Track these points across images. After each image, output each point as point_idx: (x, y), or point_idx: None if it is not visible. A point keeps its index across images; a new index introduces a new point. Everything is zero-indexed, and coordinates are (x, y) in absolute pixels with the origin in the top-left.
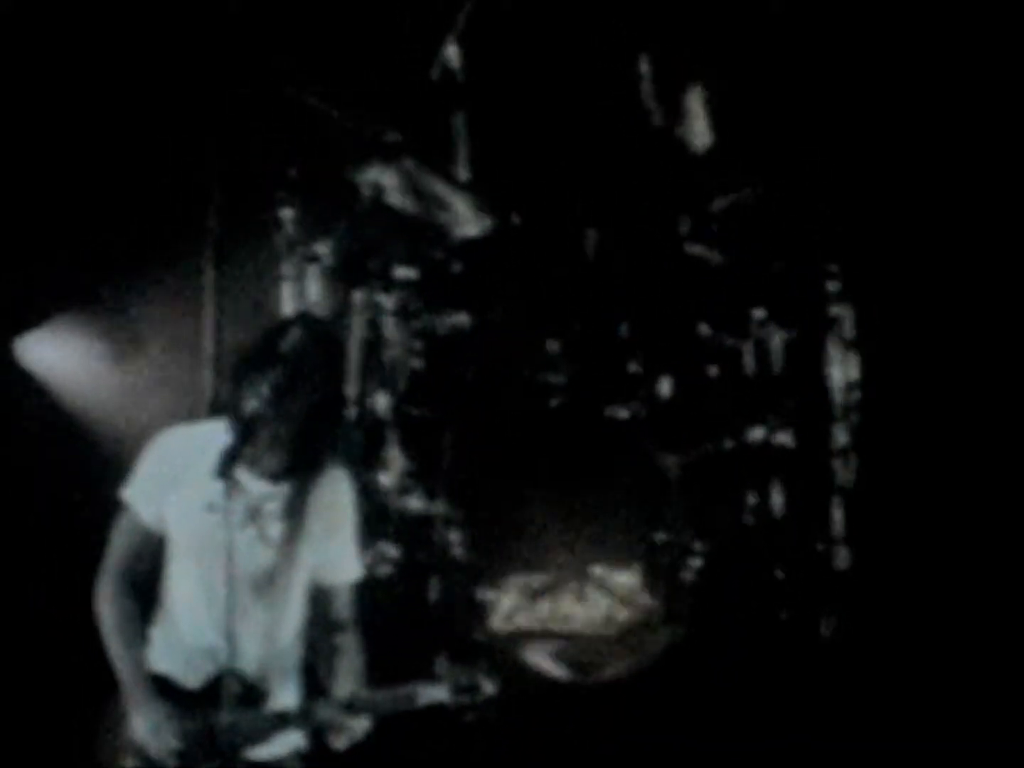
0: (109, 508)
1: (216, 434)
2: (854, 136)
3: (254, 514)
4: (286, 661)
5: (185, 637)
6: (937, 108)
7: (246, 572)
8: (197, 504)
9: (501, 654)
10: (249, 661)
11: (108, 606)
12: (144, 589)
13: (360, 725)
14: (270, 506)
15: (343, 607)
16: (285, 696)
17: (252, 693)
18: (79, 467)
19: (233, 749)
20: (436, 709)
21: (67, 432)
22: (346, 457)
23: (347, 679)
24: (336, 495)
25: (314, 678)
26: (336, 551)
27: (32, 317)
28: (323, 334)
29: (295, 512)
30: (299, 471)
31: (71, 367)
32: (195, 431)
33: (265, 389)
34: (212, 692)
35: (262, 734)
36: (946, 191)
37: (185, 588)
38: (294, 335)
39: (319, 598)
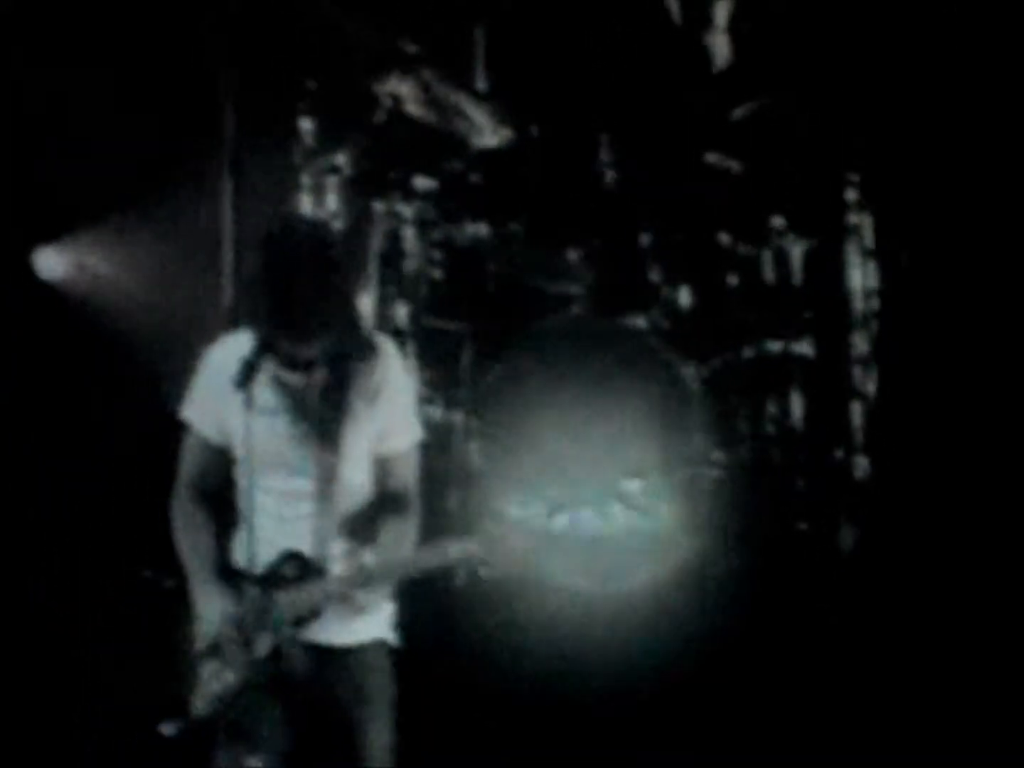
0: (126, 416)
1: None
2: (875, 42)
3: (300, 407)
4: (350, 537)
5: (255, 534)
6: (957, 15)
7: (298, 463)
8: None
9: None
10: (307, 543)
11: (179, 519)
12: (223, 497)
13: (368, 598)
14: (311, 395)
15: (403, 474)
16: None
17: (309, 570)
18: (98, 378)
19: (290, 624)
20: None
21: (85, 344)
22: None
23: (399, 544)
24: (379, 369)
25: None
26: (389, 421)
27: (51, 229)
28: (326, 234)
29: (337, 394)
30: (326, 355)
31: (89, 279)
32: (241, 339)
33: (272, 303)
34: (272, 575)
35: (315, 607)
36: (965, 96)
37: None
38: (275, 246)
39: (379, 467)
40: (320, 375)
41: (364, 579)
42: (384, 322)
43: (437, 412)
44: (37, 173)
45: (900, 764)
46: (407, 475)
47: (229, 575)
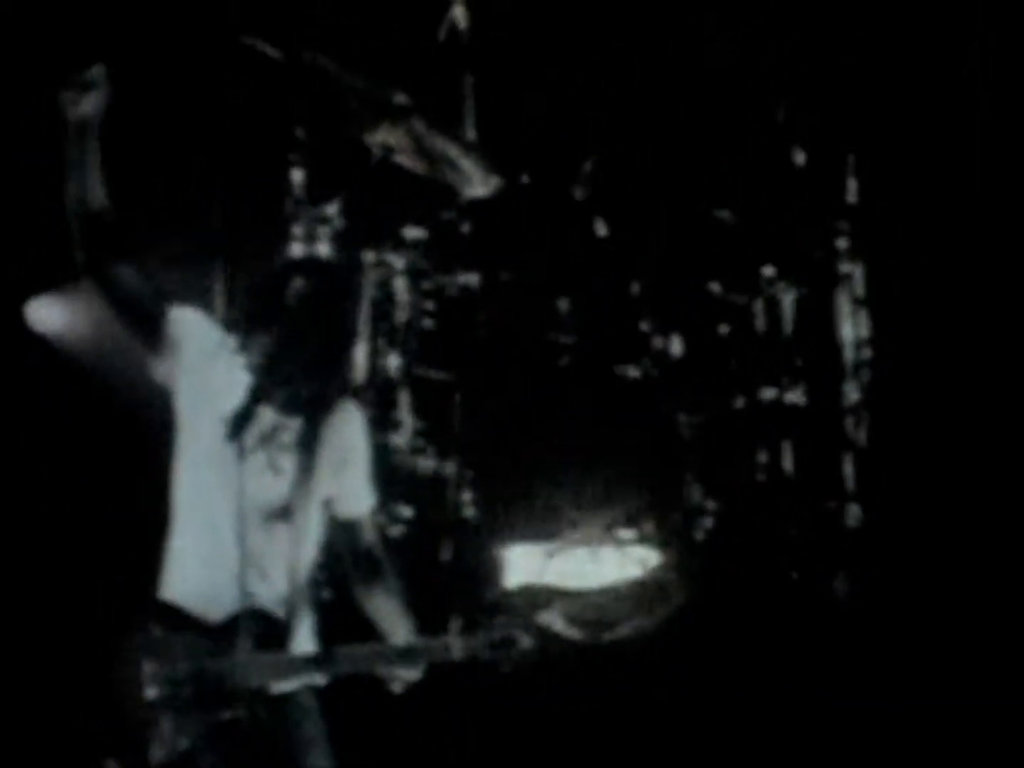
0: (116, 471)
1: None
2: (865, 90)
3: (264, 440)
4: (305, 598)
5: (201, 572)
6: (953, 65)
7: (256, 504)
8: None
9: (513, 614)
10: (272, 599)
11: None
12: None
13: (411, 673)
14: (283, 437)
15: (370, 535)
16: (303, 634)
17: (274, 632)
18: (88, 432)
19: (259, 686)
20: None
21: (76, 398)
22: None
23: (392, 616)
24: (347, 428)
25: (336, 617)
26: (351, 483)
27: (42, 281)
28: (329, 280)
29: (308, 444)
30: (311, 405)
31: (81, 332)
32: None
33: (271, 344)
34: (232, 630)
35: (282, 676)
36: (957, 145)
37: (196, 525)
38: (298, 284)
39: (344, 531)
40: (297, 419)
41: (391, 658)
42: (375, 372)
43: (429, 463)
44: (30, 226)
45: None
46: (374, 537)
47: (181, 620)
